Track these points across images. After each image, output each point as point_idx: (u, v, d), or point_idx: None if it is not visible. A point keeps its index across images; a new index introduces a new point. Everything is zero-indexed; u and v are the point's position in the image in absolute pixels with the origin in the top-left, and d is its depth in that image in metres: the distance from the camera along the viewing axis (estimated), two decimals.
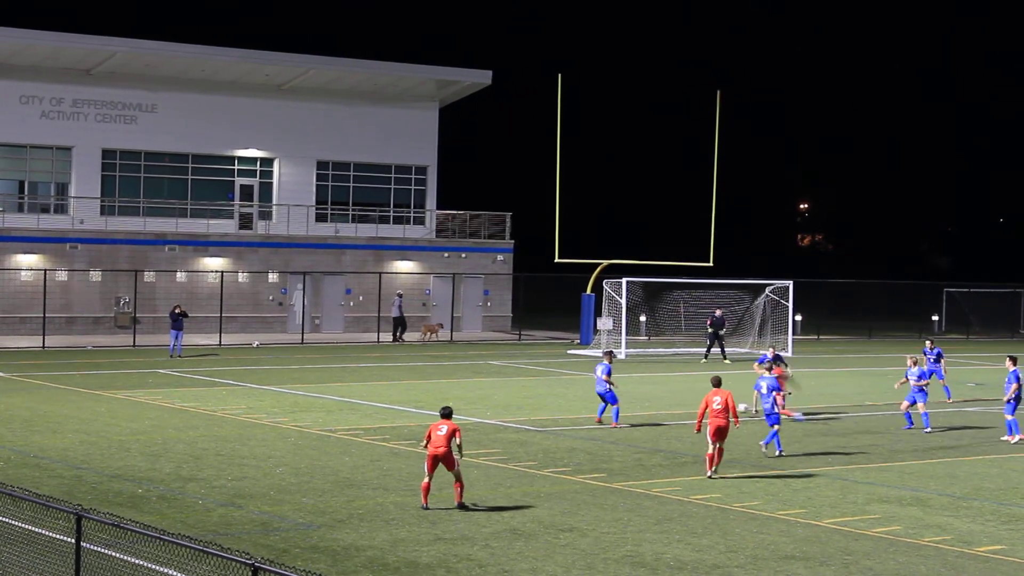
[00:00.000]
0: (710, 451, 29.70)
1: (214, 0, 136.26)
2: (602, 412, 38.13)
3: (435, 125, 76.54)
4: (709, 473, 29.57)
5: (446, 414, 26.03)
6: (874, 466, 31.82)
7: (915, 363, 38.94)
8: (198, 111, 70.34)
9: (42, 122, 67.01)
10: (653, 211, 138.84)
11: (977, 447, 35.66)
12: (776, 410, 33.03)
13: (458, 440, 25.64)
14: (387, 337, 67.78)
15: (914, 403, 38.37)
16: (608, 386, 37.34)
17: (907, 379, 38.84)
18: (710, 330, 61.34)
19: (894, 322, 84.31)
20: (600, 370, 37.61)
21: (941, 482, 30.00)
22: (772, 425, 32.81)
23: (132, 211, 68.79)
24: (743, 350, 64.29)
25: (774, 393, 33.33)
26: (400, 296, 68.25)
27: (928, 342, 49.31)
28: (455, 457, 25.64)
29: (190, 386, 45.46)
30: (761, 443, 33.24)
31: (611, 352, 40.20)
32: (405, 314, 68.13)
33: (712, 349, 61.58)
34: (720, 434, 29.50)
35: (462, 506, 25.65)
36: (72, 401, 40.58)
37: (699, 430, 30.04)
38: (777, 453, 32.85)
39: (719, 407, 29.54)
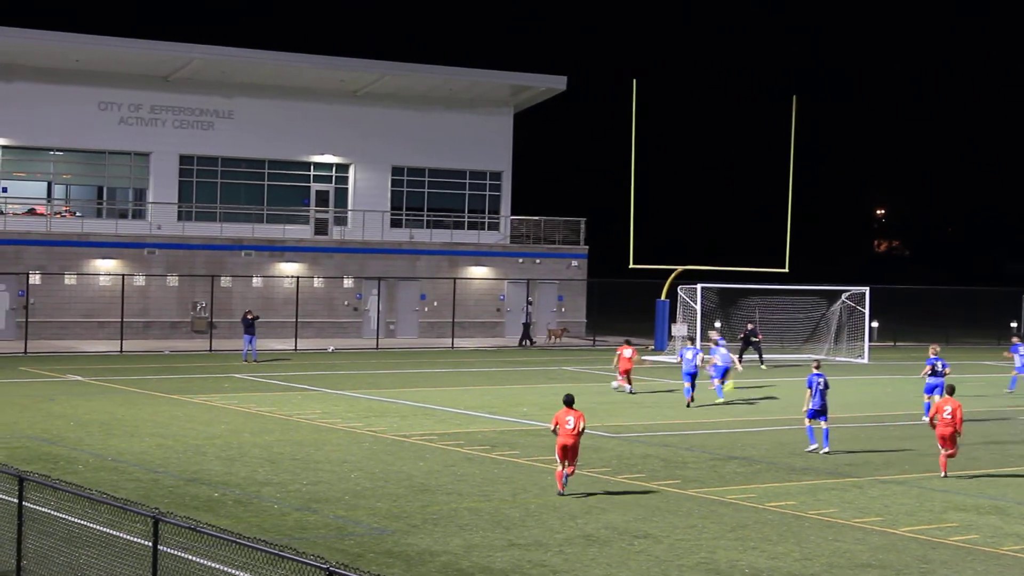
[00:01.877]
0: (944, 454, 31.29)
1: (291, 7, 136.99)
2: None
3: (510, 130, 76.60)
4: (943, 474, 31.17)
5: (568, 402, 28.06)
6: (951, 474, 31.51)
7: None
8: (274, 117, 70.75)
9: (120, 128, 67.60)
10: (728, 217, 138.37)
11: None
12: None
13: (583, 426, 27.75)
14: (462, 343, 67.90)
15: None
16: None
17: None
18: (741, 344, 60.87)
19: (971, 329, 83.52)
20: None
21: (1020, 491, 29.69)
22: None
23: (209, 216, 69.28)
24: (820, 356, 63.80)
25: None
26: (530, 303, 68.96)
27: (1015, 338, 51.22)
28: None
29: (265, 391, 45.69)
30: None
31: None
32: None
33: (745, 355, 60.93)
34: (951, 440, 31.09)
35: (561, 494, 27.24)
36: (149, 405, 40.88)
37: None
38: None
39: (948, 416, 31.06)
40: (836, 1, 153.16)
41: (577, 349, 68.52)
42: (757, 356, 60.48)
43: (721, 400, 44.96)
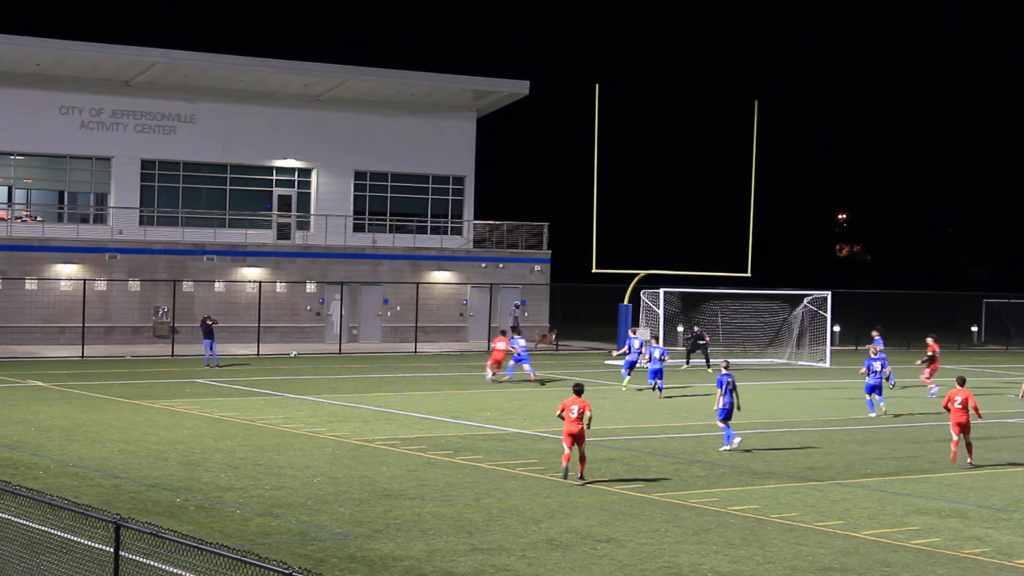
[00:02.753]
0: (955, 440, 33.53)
1: (253, 11, 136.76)
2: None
3: (472, 135, 76.63)
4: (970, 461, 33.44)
5: (578, 391, 30.06)
6: (913, 477, 31.67)
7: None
8: (236, 121, 70.62)
9: (82, 132, 67.36)
10: (691, 221, 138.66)
11: (1016, 459, 35.44)
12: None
13: (589, 414, 29.53)
14: (425, 348, 67.87)
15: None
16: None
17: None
18: (688, 347, 61.84)
19: (932, 333, 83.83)
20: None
21: (980, 494, 29.84)
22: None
23: (171, 221, 69.08)
24: (781, 360, 64.11)
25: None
26: (516, 307, 69.03)
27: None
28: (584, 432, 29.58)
29: (228, 396, 45.58)
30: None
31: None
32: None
33: (693, 359, 61.47)
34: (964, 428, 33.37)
35: (582, 478, 29.60)
36: (110, 410, 40.73)
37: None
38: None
39: (959, 406, 33.39)
40: (798, 7, 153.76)
41: (540, 353, 68.52)
42: (704, 360, 60.75)
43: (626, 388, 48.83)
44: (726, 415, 34.74)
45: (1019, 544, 24.81)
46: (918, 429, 41.17)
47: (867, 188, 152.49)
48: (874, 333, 52.05)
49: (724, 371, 35.21)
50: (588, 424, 29.58)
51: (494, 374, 52.11)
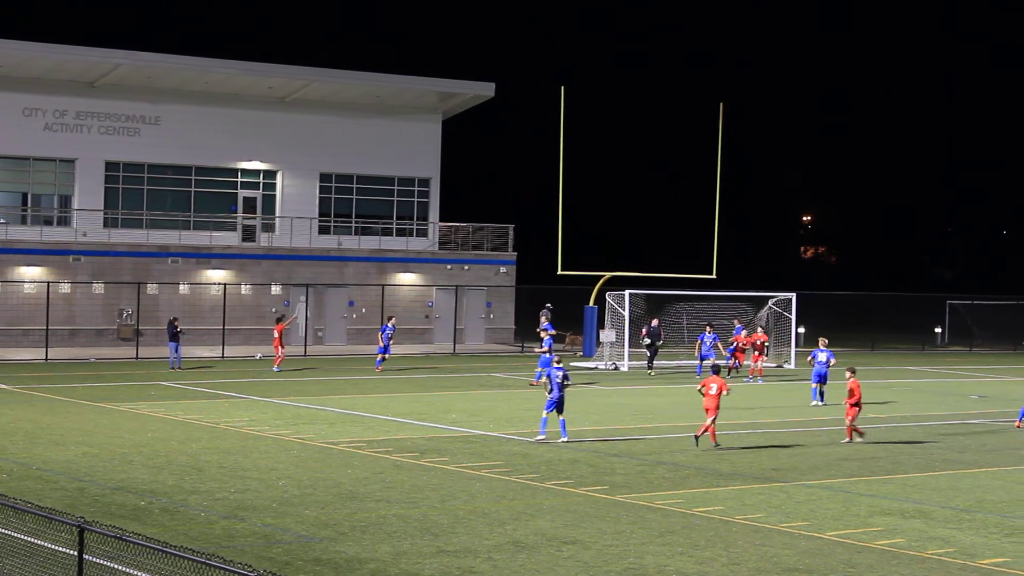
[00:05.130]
0: None
1: (217, 13, 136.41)
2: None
3: (438, 137, 76.59)
4: None
5: (716, 370, 36.32)
6: (877, 478, 31.80)
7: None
8: (201, 123, 70.41)
9: (45, 134, 67.08)
10: (656, 223, 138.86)
11: (980, 460, 35.62)
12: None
13: (726, 392, 35.17)
14: (391, 349, 67.79)
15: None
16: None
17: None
18: (647, 341, 60.98)
19: (897, 334, 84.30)
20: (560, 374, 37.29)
21: (944, 495, 29.97)
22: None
23: (135, 223, 68.84)
24: (747, 362, 64.24)
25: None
26: (550, 308, 68.80)
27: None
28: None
29: (192, 398, 45.46)
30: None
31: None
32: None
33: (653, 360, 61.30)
34: None
35: (717, 445, 35.11)
36: (75, 413, 40.58)
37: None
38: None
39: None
40: (763, 9, 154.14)
41: (505, 356, 68.54)
42: (648, 360, 60.65)
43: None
44: (553, 406, 36.01)
45: (983, 544, 24.93)
46: (880, 431, 41.28)
47: (832, 190, 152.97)
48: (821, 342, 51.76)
49: (556, 365, 36.73)
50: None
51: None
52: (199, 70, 69.18)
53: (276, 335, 56.45)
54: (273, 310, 68.41)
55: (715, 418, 35.18)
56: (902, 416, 44.96)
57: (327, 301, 70.76)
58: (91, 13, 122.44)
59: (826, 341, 49.16)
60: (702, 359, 57.51)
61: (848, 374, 37.97)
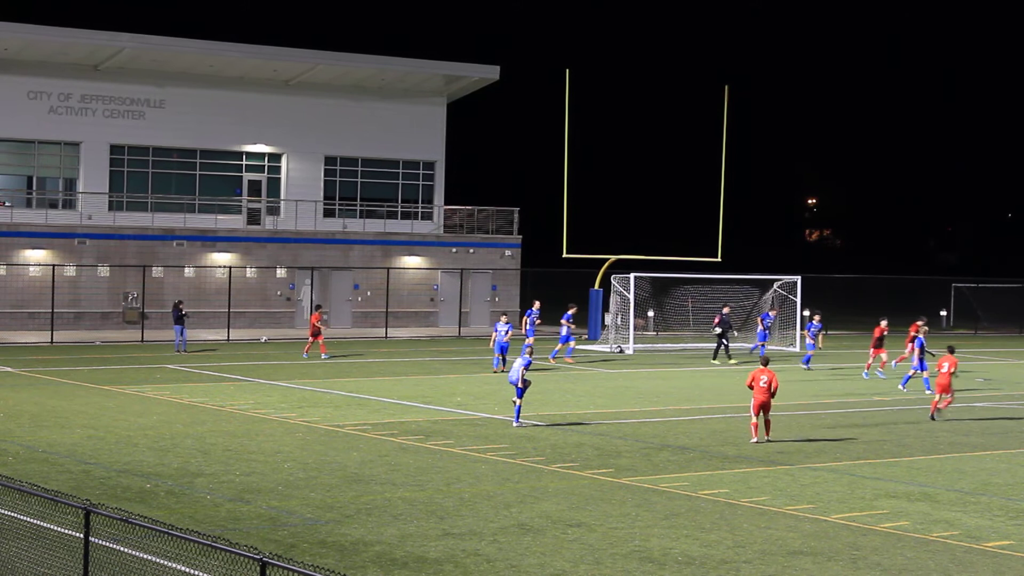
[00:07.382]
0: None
1: None
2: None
3: (443, 120, 76.52)
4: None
5: (765, 362, 34.46)
6: (882, 461, 31.81)
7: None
8: (206, 106, 70.38)
9: (50, 117, 67.06)
10: (662, 206, 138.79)
11: (985, 442, 35.61)
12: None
13: (775, 386, 33.36)
14: (395, 332, 67.81)
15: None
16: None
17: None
18: (717, 331, 59.39)
19: (902, 317, 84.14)
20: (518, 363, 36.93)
21: (949, 477, 29.97)
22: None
23: (140, 207, 68.84)
24: (751, 345, 64.21)
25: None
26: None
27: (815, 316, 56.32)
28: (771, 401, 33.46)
29: (198, 381, 45.50)
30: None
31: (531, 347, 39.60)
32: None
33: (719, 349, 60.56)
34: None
35: (769, 440, 33.57)
36: (80, 396, 40.62)
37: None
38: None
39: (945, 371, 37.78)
40: None
41: (511, 338, 68.33)
42: (724, 349, 59.60)
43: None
44: (522, 392, 36.04)
45: (987, 527, 24.93)
46: (885, 413, 41.29)
47: (837, 173, 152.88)
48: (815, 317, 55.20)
49: (529, 356, 36.79)
50: (773, 393, 33.38)
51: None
52: (204, 53, 69.11)
53: (314, 324, 55.14)
54: (279, 293, 68.45)
55: (764, 414, 33.66)
56: (907, 399, 44.95)
57: (332, 284, 70.76)
58: None
59: (818, 316, 55.41)
60: (762, 341, 58.23)
61: (947, 352, 39.33)
